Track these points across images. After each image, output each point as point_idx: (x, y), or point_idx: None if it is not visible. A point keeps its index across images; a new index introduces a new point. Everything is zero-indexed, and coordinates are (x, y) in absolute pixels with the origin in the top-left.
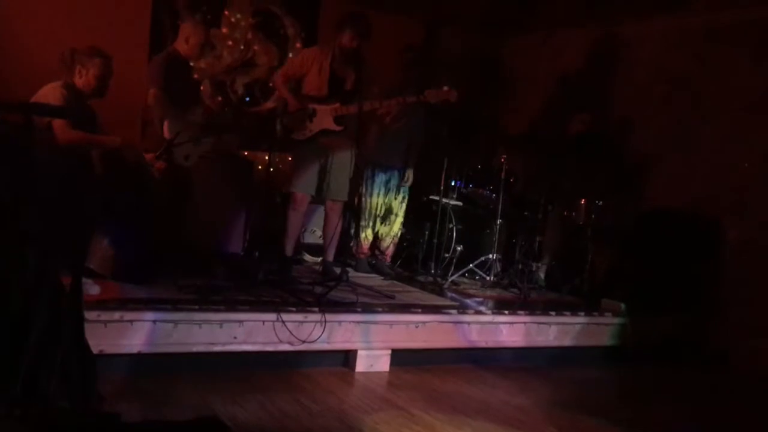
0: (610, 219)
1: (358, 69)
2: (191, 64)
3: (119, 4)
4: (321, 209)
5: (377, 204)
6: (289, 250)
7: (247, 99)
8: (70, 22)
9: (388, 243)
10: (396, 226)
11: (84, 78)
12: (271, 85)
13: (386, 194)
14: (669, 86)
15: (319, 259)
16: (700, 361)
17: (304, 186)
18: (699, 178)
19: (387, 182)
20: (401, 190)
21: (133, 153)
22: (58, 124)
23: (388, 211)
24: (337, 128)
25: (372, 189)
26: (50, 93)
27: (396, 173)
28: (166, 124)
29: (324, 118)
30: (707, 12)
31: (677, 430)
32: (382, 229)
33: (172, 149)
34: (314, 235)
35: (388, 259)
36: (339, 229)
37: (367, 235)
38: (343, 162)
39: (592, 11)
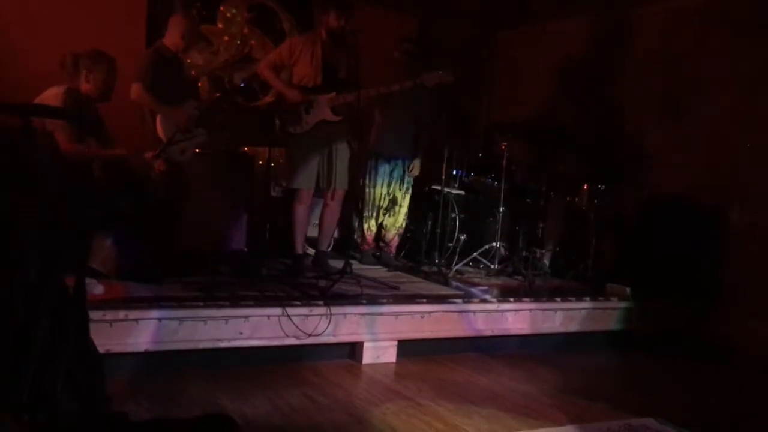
0: (613, 204)
1: (349, 56)
2: (180, 56)
3: (114, 2)
4: (322, 202)
5: (380, 195)
6: (299, 247)
7: (242, 85)
8: (64, 23)
9: (393, 234)
10: (401, 217)
11: (92, 83)
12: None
13: (390, 185)
14: (667, 70)
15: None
16: (704, 347)
17: (307, 181)
18: (700, 162)
19: (390, 173)
20: (405, 181)
21: (135, 160)
22: (61, 136)
23: (393, 202)
24: (336, 118)
25: (375, 180)
26: (51, 97)
27: (399, 163)
28: (158, 119)
29: (321, 109)
30: None
31: (684, 416)
32: (387, 221)
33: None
34: (316, 228)
35: (393, 251)
36: (338, 218)
37: (370, 227)
38: (344, 151)
39: None
